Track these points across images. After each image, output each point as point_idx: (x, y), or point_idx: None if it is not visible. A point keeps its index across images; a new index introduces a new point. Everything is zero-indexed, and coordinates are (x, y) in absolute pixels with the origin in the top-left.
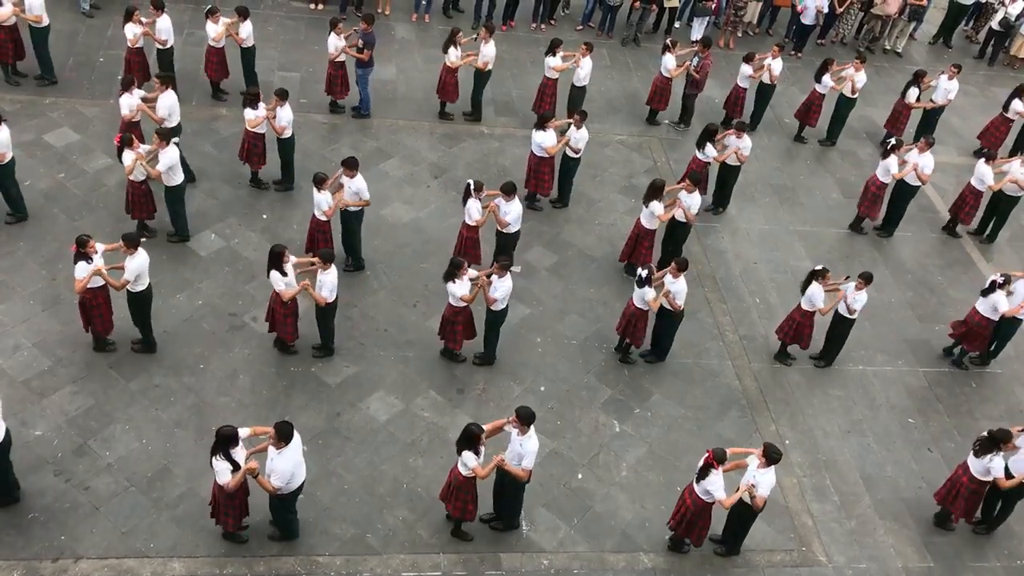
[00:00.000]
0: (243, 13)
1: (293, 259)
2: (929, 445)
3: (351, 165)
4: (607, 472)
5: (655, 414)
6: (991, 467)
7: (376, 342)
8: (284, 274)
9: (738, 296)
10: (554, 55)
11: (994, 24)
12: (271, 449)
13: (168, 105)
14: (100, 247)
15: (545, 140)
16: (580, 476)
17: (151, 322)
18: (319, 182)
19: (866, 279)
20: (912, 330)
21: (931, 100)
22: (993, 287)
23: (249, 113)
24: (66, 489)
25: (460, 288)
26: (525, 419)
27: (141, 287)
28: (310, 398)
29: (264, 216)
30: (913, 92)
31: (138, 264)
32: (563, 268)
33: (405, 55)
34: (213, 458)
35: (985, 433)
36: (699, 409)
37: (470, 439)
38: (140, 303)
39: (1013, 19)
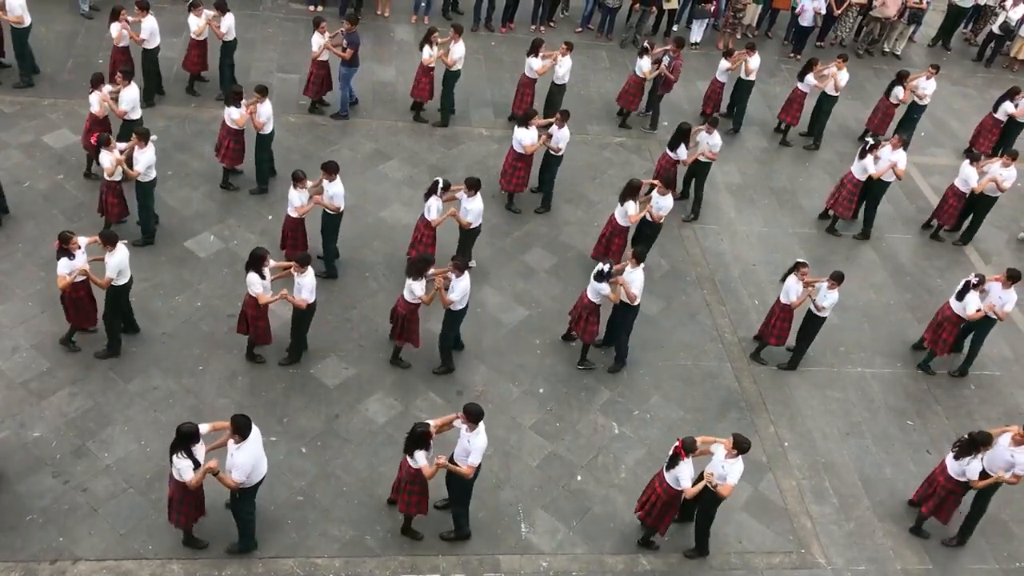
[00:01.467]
0: (221, 7)
1: (272, 263)
2: (928, 447)
3: (329, 169)
4: (606, 474)
5: (654, 416)
6: (967, 470)
7: (375, 344)
8: (263, 277)
9: (737, 298)
10: (536, 55)
11: (995, 28)
12: (230, 444)
13: (130, 99)
14: (83, 241)
15: (525, 137)
16: (579, 478)
17: (119, 322)
18: (296, 180)
19: (836, 279)
20: (911, 332)
21: (915, 94)
22: (967, 288)
23: (233, 112)
24: (64, 490)
25: (419, 287)
26: (474, 416)
27: (122, 281)
28: (309, 400)
29: (270, 217)
30: (899, 91)
31: (118, 261)
32: (562, 270)
33: (404, 57)
34: (174, 456)
35: (966, 435)
36: (698, 411)
37: (419, 439)
38: (116, 295)
39: (1013, 23)
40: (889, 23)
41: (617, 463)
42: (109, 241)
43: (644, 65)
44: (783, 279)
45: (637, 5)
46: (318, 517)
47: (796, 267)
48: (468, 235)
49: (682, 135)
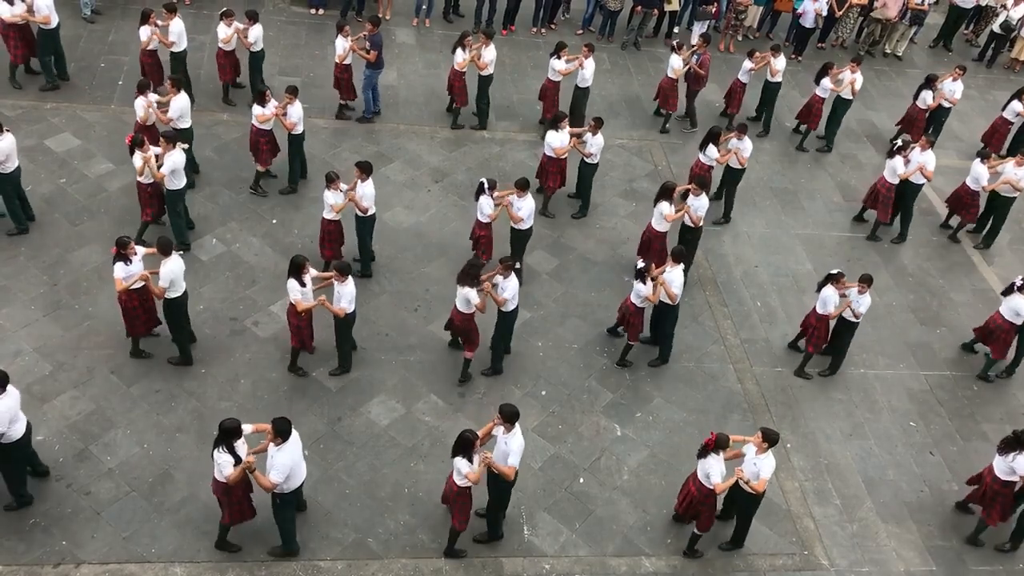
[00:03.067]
0: (252, 17)
1: (313, 272)
2: (931, 448)
3: (362, 168)
4: (609, 476)
5: (656, 418)
6: (1015, 466)
7: (377, 346)
8: (302, 284)
9: (739, 300)
10: (558, 58)
11: (995, 28)
12: (270, 446)
13: (180, 107)
14: (140, 250)
15: (555, 140)
16: (582, 480)
17: (182, 330)
18: (329, 181)
19: (866, 282)
20: (914, 334)
21: (943, 97)
22: (1011, 289)
23: (257, 109)
24: (67, 494)
25: (475, 295)
26: (508, 417)
27: (176, 293)
28: (311, 402)
29: (274, 221)
30: (928, 95)
31: (170, 269)
32: (564, 272)
33: (406, 59)
34: (215, 451)
35: (1011, 433)
36: (701, 413)
37: (465, 445)
38: (174, 309)
39: (1015, 23)
40: (890, 24)
41: (620, 465)
42: (164, 250)
43: (675, 63)
44: (818, 289)
45: (638, 8)
46: (320, 520)
47: (833, 278)
48: (520, 236)
49: (712, 137)
